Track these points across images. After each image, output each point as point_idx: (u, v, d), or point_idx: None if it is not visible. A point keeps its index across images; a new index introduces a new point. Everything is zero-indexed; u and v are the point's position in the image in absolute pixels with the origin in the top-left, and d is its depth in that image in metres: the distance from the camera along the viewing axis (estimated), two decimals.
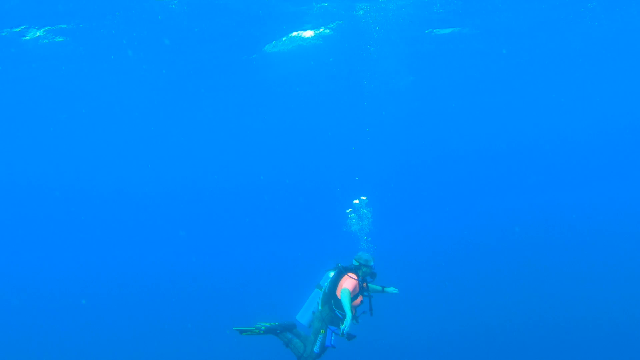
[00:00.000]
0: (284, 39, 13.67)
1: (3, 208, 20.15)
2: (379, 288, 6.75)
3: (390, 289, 6.82)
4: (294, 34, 13.31)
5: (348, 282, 6.25)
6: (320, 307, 6.45)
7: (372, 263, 6.53)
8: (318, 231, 19.67)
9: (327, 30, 13.30)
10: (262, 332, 6.38)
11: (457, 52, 15.85)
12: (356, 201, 7.72)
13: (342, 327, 6.15)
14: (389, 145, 20.98)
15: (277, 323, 6.44)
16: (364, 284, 6.51)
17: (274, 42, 13.84)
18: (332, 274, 6.70)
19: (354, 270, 6.50)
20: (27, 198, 20.44)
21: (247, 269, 19.49)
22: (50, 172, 20.04)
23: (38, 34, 12.08)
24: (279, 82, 16.68)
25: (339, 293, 6.34)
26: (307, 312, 6.65)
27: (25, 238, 19.95)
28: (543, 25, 14.68)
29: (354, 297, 6.26)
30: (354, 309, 6.27)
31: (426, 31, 14.07)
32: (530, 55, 16.93)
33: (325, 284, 6.61)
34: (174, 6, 11.04)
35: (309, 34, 13.32)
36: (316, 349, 6.28)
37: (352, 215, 7.60)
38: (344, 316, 6.33)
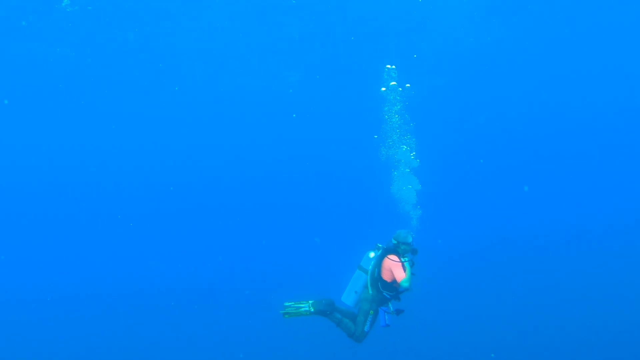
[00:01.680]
0: None
1: None
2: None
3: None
4: None
5: (397, 270, 6.27)
6: (370, 291, 6.53)
7: (410, 239, 6.52)
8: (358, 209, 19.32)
9: None
10: (310, 313, 6.47)
11: None
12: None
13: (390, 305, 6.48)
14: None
15: (314, 310, 6.48)
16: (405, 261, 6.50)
17: None
18: (372, 254, 6.73)
19: (394, 250, 6.50)
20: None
21: (291, 249, 19.37)
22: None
23: None
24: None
25: (384, 275, 6.45)
26: (351, 293, 6.72)
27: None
28: None
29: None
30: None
31: None
32: None
33: (369, 266, 6.65)
34: None
35: None
36: (366, 328, 6.43)
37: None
38: (392, 296, 6.53)
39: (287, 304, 6.58)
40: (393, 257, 6.38)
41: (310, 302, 6.52)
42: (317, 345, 12.51)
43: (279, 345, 13.26)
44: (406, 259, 6.42)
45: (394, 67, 11.37)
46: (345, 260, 7.23)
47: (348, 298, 6.67)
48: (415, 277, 6.52)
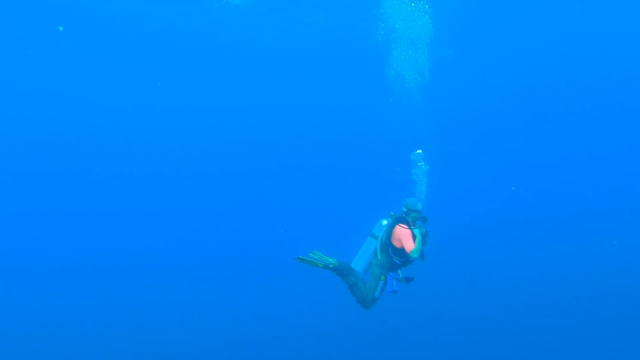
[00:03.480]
0: None
1: None
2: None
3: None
4: None
5: (407, 240, 6.29)
6: (379, 256, 6.61)
7: (420, 207, 6.56)
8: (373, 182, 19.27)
9: None
10: (324, 266, 6.48)
11: None
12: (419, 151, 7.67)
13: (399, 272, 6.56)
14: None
15: (336, 262, 6.53)
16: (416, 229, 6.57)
17: None
18: (384, 222, 6.80)
19: (404, 218, 6.55)
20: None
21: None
22: None
23: None
24: None
25: (394, 242, 6.49)
26: (361, 259, 6.80)
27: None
28: None
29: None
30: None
31: None
32: None
33: (381, 233, 6.71)
34: None
35: None
36: (377, 294, 6.49)
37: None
38: (402, 262, 6.57)
39: (311, 254, 6.55)
40: (403, 225, 6.43)
41: (334, 260, 6.55)
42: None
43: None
44: (416, 227, 6.46)
45: None
46: (355, 232, 7.26)
47: (358, 264, 6.74)
48: (427, 246, 6.55)
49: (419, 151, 7.59)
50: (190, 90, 18.49)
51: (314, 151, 20.24)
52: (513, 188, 19.63)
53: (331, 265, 6.49)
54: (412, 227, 6.46)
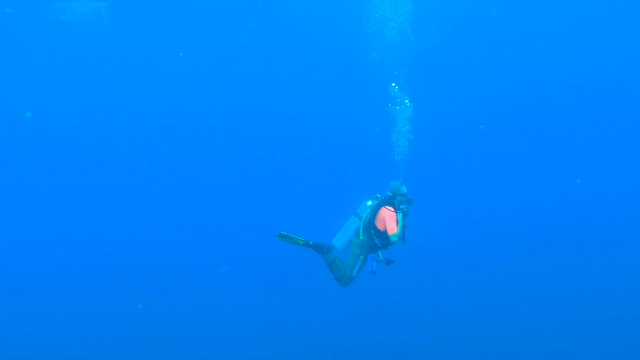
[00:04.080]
0: None
1: None
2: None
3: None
4: None
5: (391, 222, 6.33)
6: (360, 236, 6.65)
7: (405, 190, 6.55)
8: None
9: None
10: (304, 244, 6.61)
11: None
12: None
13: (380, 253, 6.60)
14: None
15: (312, 242, 6.65)
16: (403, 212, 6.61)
17: None
18: (369, 202, 6.80)
19: (390, 201, 6.55)
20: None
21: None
22: None
23: None
24: None
25: (378, 224, 6.52)
26: (342, 237, 6.84)
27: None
28: None
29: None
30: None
31: None
32: None
33: (365, 214, 6.71)
34: None
35: None
36: (354, 272, 6.56)
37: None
38: (383, 245, 6.60)
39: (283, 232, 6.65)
40: (390, 208, 6.45)
41: (312, 242, 6.67)
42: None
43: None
44: (401, 211, 6.48)
45: None
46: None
47: (339, 241, 6.79)
48: (408, 229, 6.61)
49: (394, 84, 7.56)
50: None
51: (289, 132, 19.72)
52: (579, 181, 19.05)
53: (311, 242, 6.61)
54: (398, 210, 6.48)
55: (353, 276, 6.52)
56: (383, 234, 6.47)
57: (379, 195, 6.73)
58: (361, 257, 6.52)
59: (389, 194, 6.60)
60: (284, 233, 6.59)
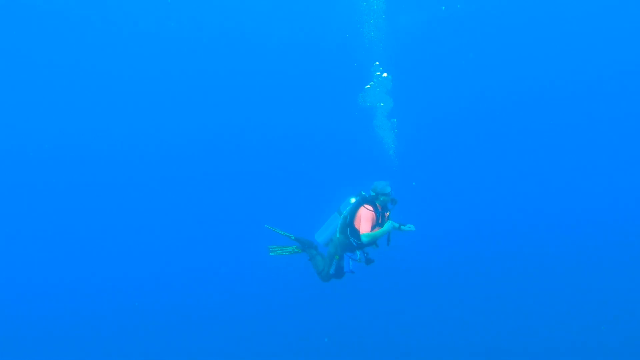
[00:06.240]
0: None
1: None
2: (396, 225, 6.58)
3: (407, 227, 6.60)
4: None
5: (364, 222, 6.21)
6: (337, 234, 6.56)
7: (388, 190, 6.38)
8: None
9: None
10: (294, 249, 6.92)
11: None
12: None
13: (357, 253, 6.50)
14: None
15: (293, 237, 6.87)
16: (386, 213, 6.45)
17: None
18: (353, 199, 6.69)
19: (371, 200, 6.41)
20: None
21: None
22: None
23: None
24: None
25: (356, 223, 6.38)
26: (324, 232, 6.81)
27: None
28: None
29: (374, 227, 6.33)
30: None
31: None
32: None
33: (345, 211, 6.61)
34: None
35: None
36: (331, 270, 6.56)
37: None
38: (358, 245, 6.46)
39: (271, 246, 6.90)
40: (369, 207, 6.31)
41: (293, 236, 6.89)
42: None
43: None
44: (385, 211, 6.38)
45: None
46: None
47: (320, 236, 6.77)
48: (405, 232, 6.54)
49: (381, 71, 7.48)
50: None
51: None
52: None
53: (293, 237, 6.80)
54: (381, 210, 6.35)
55: (330, 274, 6.47)
56: (358, 233, 6.34)
57: (363, 193, 6.61)
58: (336, 256, 6.47)
59: (372, 193, 6.45)
60: (270, 227, 6.82)
